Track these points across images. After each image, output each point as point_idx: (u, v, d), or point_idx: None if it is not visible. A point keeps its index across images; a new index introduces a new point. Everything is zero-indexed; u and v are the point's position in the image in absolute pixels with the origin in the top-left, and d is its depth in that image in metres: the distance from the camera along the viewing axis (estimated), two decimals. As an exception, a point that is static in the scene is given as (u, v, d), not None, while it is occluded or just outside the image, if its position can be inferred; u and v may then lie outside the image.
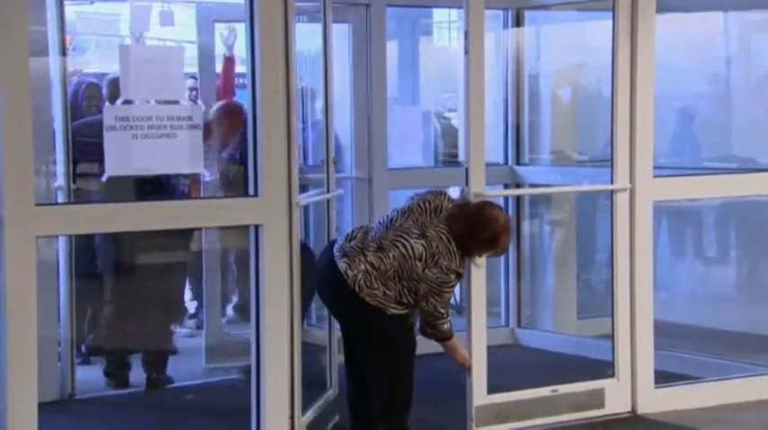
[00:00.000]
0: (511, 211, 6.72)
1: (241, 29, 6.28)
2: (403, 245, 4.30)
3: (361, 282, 4.27)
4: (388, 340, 4.37)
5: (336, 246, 4.40)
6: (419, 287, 4.31)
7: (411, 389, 4.47)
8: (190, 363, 6.18)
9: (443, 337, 4.51)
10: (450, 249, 4.32)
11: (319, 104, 7.68)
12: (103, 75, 6.23)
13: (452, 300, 7.78)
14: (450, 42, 9.24)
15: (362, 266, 4.28)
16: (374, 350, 4.40)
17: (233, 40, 6.13)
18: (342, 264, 4.32)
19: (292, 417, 4.32)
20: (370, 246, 4.33)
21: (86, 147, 5.40)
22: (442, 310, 4.39)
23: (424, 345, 6.47)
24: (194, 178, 5.55)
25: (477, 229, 4.37)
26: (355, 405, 4.57)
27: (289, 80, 4.24)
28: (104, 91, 5.70)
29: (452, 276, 4.35)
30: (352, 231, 4.47)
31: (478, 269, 4.68)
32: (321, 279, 4.46)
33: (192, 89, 6.18)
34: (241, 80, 8.60)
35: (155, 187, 5.02)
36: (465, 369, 4.76)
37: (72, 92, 5.84)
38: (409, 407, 4.48)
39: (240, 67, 6.92)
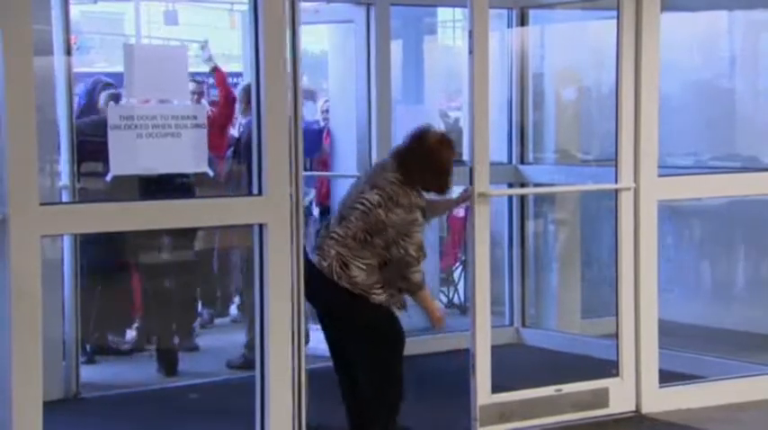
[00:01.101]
0: (515, 211, 6.73)
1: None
2: (360, 202, 4.35)
3: (338, 269, 4.29)
4: (374, 332, 4.37)
5: (309, 245, 4.47)
6: (389, 237, 4.32)
7: (401, 385, 4.46)
8: (191, 363, 6.20)
9: (415, 288, 4.45)
10: (405, 189, 4.35)
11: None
12: (117, 74, 6.30)
13: (456, 300, 7.87)
14: (455, 41, 9.24)
15: (333, 251, 4.32)
16: (362, 347, 4.40)
17: (209, 54, 6.29)
18: (315, 258, 4.38)
19: (299, 416, 4.31)
20: (333, 226, 4.41)
21: (92, 146, 5.43)
22: (413, 253, 4.35)
23: (429, 345, 6.50)
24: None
25: (431, 161, 4.42)
26: (348, 400, 4.57)
27: (296, 79, 4.24)
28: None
29: (417, 213, 4.36)
30: (319, 229, 4.51)
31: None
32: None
33: (194, 93, 6.23)
34: (232, 79, 8.64)
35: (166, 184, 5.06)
36: (439, 326, 4.68)
37: (87, 91, 5.89)
38: (400, 401, 4.48)
39: (233, 66, 6.95)
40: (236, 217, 4.37)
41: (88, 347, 6.08)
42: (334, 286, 4.32)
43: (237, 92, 6.41)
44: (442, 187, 4.55)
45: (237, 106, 6.49)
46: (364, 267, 4.33)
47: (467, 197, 4.74)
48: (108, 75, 6.46)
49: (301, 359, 4.30)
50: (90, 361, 6.03)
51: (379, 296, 4.37)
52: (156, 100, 4.40)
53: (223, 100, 6.50)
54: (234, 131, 6.65)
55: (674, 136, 6.03)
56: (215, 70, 6.35)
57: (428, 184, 4.48)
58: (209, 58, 6.28)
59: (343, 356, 4.54)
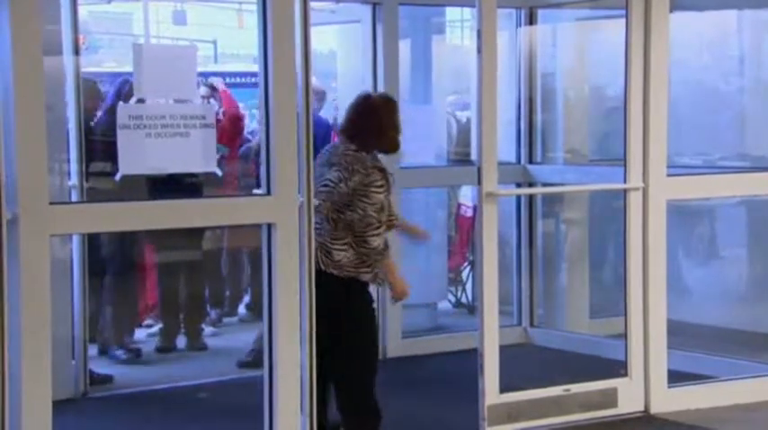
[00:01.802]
0: (524, 210, 6.72)
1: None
2: (324, 184, 4.36)
3: (323, 258, 4.32)
4: (361, 327, 4.39)
5: None
6: (355, 205, 4.35)
7: (374, 400, 4.43)
8: (200, 362, 6.21)
9: (373, 253, 4.37)
10: (358, 156, 4.38)
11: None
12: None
13: (464, 300, 7.87)
14: (463, 41, 9.23)
15: (314, 244, 4.34)
16: (348, 341, 4.39)
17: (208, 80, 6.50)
18: None
19: (311, 415, 4.31)
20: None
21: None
22: (372, 213, 4.33)
23: (436, 345, 6.50)
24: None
25: (382, 120, 4.45)
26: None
27: (307, 79, 4.25)
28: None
29: (376, 175, 4.36)
30: None
31: None
32: None
33: (204, 98, 6.28)
34: (239, 78, 8.65)
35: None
36: (399, 299, 4.62)
37: (116, 91, 5.94)
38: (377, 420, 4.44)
39: (239, 66, 7.00)
40: (245, 217, 4.37)
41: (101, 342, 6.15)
42: (324, 276, 4.32)
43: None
44: (396, 144, 4.55)
45: (247, 121, 6.59)
46: (344, 247, 4.35)
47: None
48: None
49: (313, 358, 4.30)
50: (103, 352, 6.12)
51: (368, 274, 4.37)
52: (166, 99, 4.40)
53: (230, 117, 6.61)
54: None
55: (682, 136, 6.02)
56: (222, 90, 6.44)
57: (383, 144, 4.50)
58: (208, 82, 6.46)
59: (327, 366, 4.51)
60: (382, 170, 4.42)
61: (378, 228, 4.35)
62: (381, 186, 4.38)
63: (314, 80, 5.46)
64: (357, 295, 4.41)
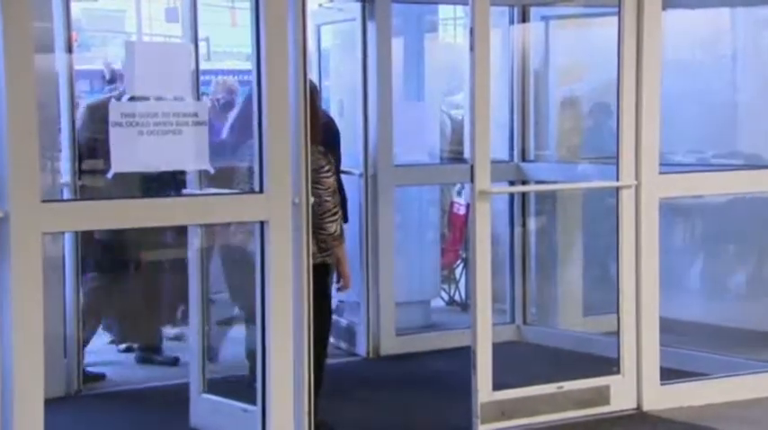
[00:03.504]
0: (517, 208, 6.73)
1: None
2: None
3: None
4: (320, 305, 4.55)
5: None
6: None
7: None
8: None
9: (330, 239, 4.57)
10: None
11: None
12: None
13: (457, 297, 7.87)
14: (456, 39, 9.23)
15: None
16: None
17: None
18: None
19: (309, 413, 4.31)
20: None
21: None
22: (327, 198, 4.51)
23: (429, 343, 6.49)
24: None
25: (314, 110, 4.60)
26: None
27: (304, 78, 4.24)
28: None
29: (323, 160, 4.53)
30: None
31: None
32: None
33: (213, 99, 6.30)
34: (233, 77, 8.68)
35: None
36: (346, 288, 4.82)
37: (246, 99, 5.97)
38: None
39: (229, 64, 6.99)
40: (237, 214, 4.37)
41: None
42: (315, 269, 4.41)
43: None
44: (320, 133, 4.72)
45: None
46: (313, 238, 4.47)
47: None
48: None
49: (310, 357, 4.29)
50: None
51: (330, 257, 4.57)
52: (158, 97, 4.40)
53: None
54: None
55: (675, 133, 6.03)
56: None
57: (315, 133, 4.57)
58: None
59: None
60: (325, 154, 4.59)
61: (334, 214, 4.54)
62: (329, 170, 4.56)
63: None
64: (321, 280, 4.52)
